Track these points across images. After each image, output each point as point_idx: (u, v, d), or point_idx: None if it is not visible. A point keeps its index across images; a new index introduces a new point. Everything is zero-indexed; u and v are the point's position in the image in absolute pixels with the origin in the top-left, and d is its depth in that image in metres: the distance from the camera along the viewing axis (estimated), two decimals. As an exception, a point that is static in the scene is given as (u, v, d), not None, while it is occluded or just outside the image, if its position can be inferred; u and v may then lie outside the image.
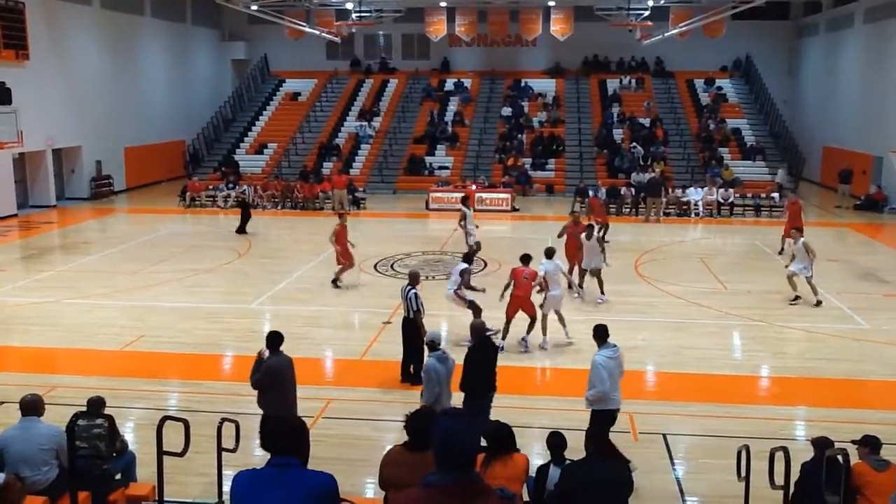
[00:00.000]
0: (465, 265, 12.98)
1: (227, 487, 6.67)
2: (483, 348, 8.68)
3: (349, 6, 31.20)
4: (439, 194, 27.84)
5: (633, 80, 37.00)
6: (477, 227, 18.32)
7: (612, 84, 36.90)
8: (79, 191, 29.14)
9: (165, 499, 7.09)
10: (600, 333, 8.16)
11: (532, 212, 26.88)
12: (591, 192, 24.66)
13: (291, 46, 36.56)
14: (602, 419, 7.94)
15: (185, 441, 8.27)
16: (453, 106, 36.09)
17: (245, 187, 27.45)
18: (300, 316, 14.45)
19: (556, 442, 6.56)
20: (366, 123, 34.77)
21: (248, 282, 16.89)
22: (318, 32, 33.27)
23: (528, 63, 38.46)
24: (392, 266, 18.34)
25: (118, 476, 7.49)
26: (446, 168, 31.99)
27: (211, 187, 29.05)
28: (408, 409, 5.59)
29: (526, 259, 12.73)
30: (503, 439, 6.02)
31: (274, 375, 8.22)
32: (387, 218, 26.16)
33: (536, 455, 8.11)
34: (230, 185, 28.55)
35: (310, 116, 36.12)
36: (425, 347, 8.86)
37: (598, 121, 34.33)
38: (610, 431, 8.07)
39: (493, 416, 8.14)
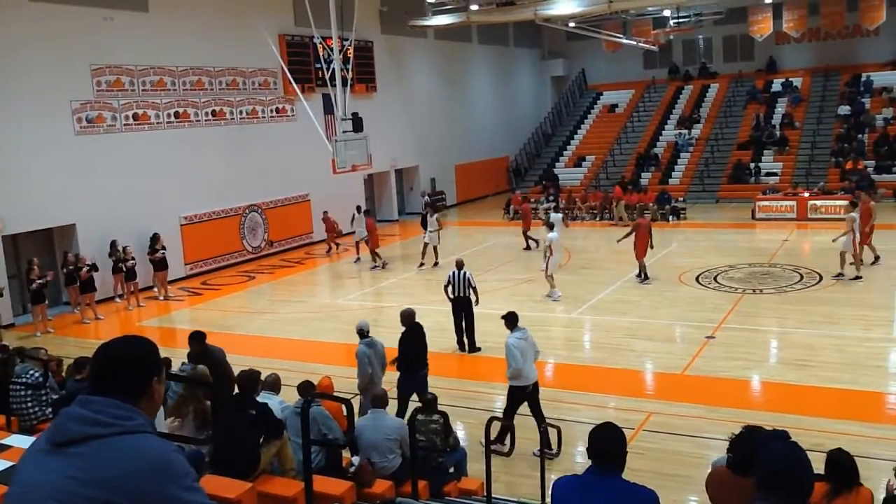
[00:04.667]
0: None
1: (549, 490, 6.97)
2: (412, 332, 10.13)
3: (667, 13, 30.65)
4: (767, 203, 26.15)
5: None
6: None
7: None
8: (417, 206, 31.91)
9: (493, 496, 7.53)
10: (510, 320, 9.41)
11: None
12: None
13: (608, 59, 36.86)
14: (515, 395, 9.32)
15: (511, 442, 8.77)
16: (781, 108, 33.64)
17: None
18: (619, 327, 14.49)
19: None
20: (685, 131, 33.77)
21: (567, 292, 17.19)
22: (634, 43, 33.11)
23: (869, 55, 34.45)
24: (715, 279, 17.62)
25: (451, 469, 8.15)
26: (774, 174, 29.95)
27: (532, 200, 30.20)
28: (734, 429, 5.37)
29: None
30: (849, 471, 5.48)
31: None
32: (709, 228, 25.15)
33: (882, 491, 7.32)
34: (550, 199, 29.48)
35: (627, 127, 35.97)
36: (357, 335, 9.71)
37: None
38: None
39: (838, 445, 7.53)
